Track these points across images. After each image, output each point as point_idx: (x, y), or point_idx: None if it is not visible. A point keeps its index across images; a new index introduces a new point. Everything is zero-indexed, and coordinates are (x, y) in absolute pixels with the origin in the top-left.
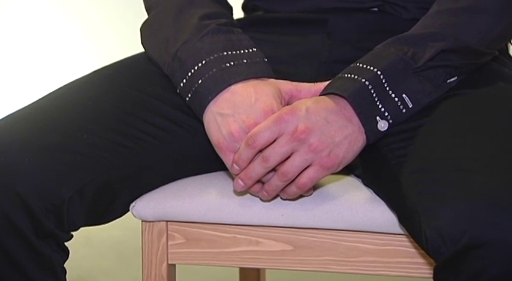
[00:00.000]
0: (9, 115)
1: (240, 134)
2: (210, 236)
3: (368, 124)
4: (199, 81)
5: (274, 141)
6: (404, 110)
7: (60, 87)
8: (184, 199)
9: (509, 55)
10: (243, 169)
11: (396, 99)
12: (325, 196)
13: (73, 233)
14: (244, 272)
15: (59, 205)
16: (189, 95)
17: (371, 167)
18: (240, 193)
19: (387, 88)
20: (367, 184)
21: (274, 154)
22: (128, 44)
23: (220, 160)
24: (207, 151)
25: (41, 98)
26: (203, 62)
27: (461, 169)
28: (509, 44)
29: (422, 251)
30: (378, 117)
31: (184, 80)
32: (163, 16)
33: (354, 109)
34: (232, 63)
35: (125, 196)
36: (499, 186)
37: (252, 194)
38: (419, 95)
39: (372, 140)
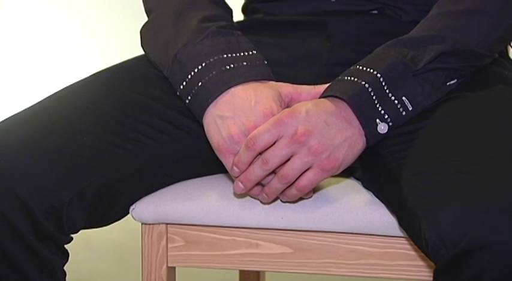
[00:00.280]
0: (9, 117)
1: (239, 137)
2: (209, 239)
3: (368, 127)
4: (199, 84)
5: (274, 143)
6: (404, 113)
7: (60, 90)
8: (184, 201)
9: (509, 58)
10: (243, 172)
11: (396, 101)
12: (325, 198)
13: (73, 235)
14: (244, 274)
15: (58, 207)
16: (189, 98)
17: (371, 169)
18: (239, 196)
19: (387, 91)
20: (367, 186)
21: (274, 157)
22: (128, 46)
23: (220, 162)
24: (207, 153)
25: (41, 101)
26: (203, 64)
27: (461, 172)
28: (509, 47)
29: (422, 254)
30: (377, 120)
31: (184, 83)
32: (163, 18)
33: (354, 112)
34: (232, 65)
35: (124, 198)
36: (499, 189)
37: (252, 197)
38: (419, 97)
39: (371, 142)
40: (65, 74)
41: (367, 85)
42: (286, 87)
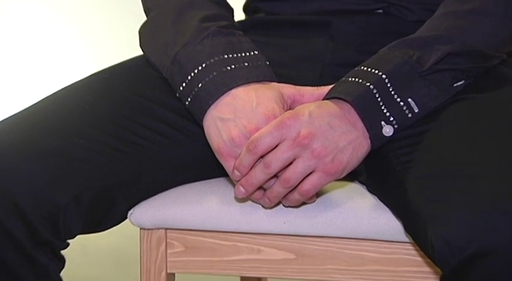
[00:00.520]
0: (5, 119)
1: (241, 140)
2: (210, 244)
3: (373, 129)
4: (199, 85)
5: (276, 146)
6: (410, 115)
7: (57, 91)
8: (183, 206)
9: None
10: (244, 175)
11: (401, 103)
12: (329, 203)
13: (69, 241)
14: None
15: (55, 212)
16: (189, 99)
17: (376, 173)
18: (241, 200)
19: (392, 92)
20: (371, 190)
21: (276, 160)
22: (126, 46)
23: (221, 165)
24: (207, 156)
25: (37, 102)
26: (203, 65)
27: (468, 175)
28: None
29: (429, 260)
30: (382, 122)
31: (184, 84)
32: (163, 18)
33: (358, 114)
34: (233, 66)
35: (122, 202)
36: (508, 192)
37: (254, 201)
38: (425, 99)
39: (376, 145)
40: (62, 75)
41: (371, 86)
42: (288, 89)
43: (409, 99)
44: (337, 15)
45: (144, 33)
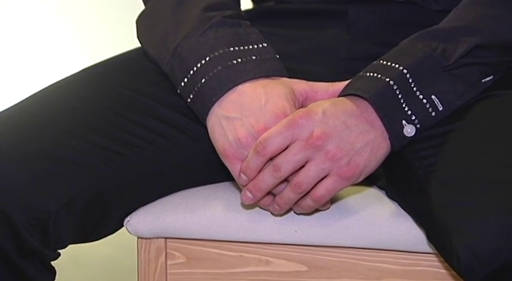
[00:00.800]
0: None
1: (248, 140)
2: (214, 255)
3: (393, 129)
4: (203, 81)
5: (287, 148)
6: (433, 113)
7: (46, 87)
8: (185, 213)
9: None
10: (252, 180)
11: (424, 101)
12: (344, 210)
13: (60, 251)
14: None
15: (44, 219)
16: (191, 96)
17: (396, 177)
18: (248, 207)
19: (414, 88)
20: (391, 196)
21: (286, 163)
22: (122, 38)
23: (226, 169)
24: (211, 158)
25: (24, 100)
26: (207, 58)
27: (496, 180)
28: None
29: (454, 272)
30: (403, 122)
31: (186, 79)
32: (162, 7)
33: (377, 112)
34: (239, 60)
35: (118, 209)
36: None
37: (262, 208)
38: (451, 96)
39: (397, 146)
40: (51, 69)
41: (391, 82)
42: (300, 85)
43: (433, 97)
44: (354, 4)
45: (142, 24)
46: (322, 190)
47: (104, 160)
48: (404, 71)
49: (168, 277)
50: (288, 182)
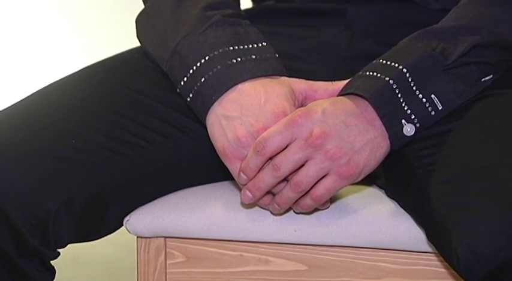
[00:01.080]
0: None
1: (247, 140)
2: (213, 254)
3: (392, 128)
4: (202, 80)
5: (286, 147)
6: (433, 113)
7: (45, 87)
8: (185, 212)
9: None
10: (251, 179)
11: (424, 100)
12: (344, 209)
13: (60, 250)
14: None
15: (44, 219)
16: (191, 95)
17: (395, 176)
18: (247, 206)
19: (414, 88)
20: (391, 195)
21: (286, 162)
22: (122, 37)
23: (226, 168)
24: (211, 158)
25: (24, 99)
26: (206, 58)
27: (496, 179)
28: None
29: (453, 272)
30: (403, 121)
31: (185, 79)
32: (162, 6)
33: (377, 111)
34: (239, 59)
35: (118, 208)
36: None
37: (261, 207)
38: (450, 95)
39: (396, 146)
40: (51, 69)
41: (391, 81)
42: (299, 84)
43: (432, 96)
44: (353, 3)
45: (142, 23)
46: (321, 189)
47: (104, 159)
48: (404, 70)
49: (167, 276)
50: (287, 181)
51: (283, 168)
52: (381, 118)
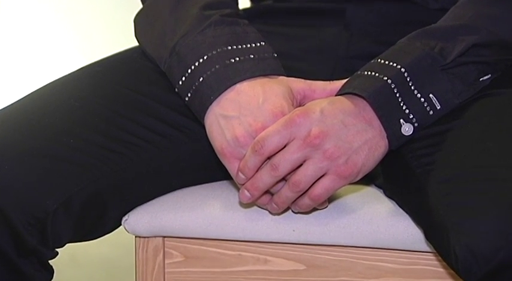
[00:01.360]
0: None
1: (246, 139)
2: (212, 254)
3: (391, 128)
4: (200, 79)
5: (285, 147)
6: (431, 112)
7: (43, 86)
8: (183, 211)
9: None
10: (250, 178)
11: (422, 99)
12: (342, 208)
13: (58, 250)
14: None
15: (42, 218)
16: (189, 95)
17: (394, 176)
18: (246, 205)
19: (412, 87)
20: (389, 195)
21: (284, 162)
22: (120, 37)
23: (224, 168)
24: (209, 157)
25: (22, 98)
26: (205, 57)
27: (495, 179)
28: None
29: (452, 271)
30: (401, 120)
31: (184, 78)
32: (160, 5)
33: (375, 111)
34: (237, 58)
35: (116, 208)
36: None
37: (260, 207)
38: (449, 95)
39: (395, 145)
40: (49, 68)
41: (389, 81)
42: (298, 83)
43: (431, 95)
44: (352, 2)
45: (140, 22)
46: (320, 188)
47: (102, 158)
48: (402, 70)
49: (166, 275)
50: (285, 181)
51: (281, 168)
52: (379, 118)
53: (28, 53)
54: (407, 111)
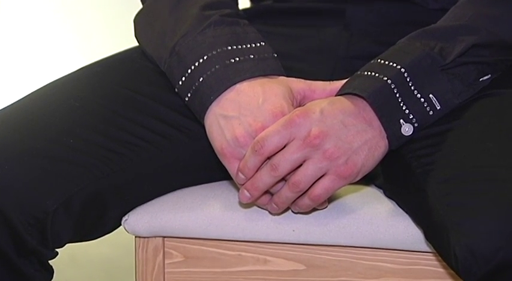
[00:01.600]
0: None
1: (245, 139)
2: (212, 254)
3: (390, 128)
4: (200, 79)
5: (285, 147)
6: (431, 112)
7: (43, 86)
8: (183, 211)
9: None
10: (249, 178)
11: (422, 100)
12: (342, 209)
13: (58, 250)
14: None
15: (42, 218)
16: (189, 95)
17: (394, 176)
18: (245, 206)
19: (412, 87)
20: (389, 195)
21: (284, 162)
22: (120, 37)
23: (224, 168)
24: (209, 157)
25: (22, 99)
26: (205, 57)
27: (495, 179)
28: None
29: (452, 271)
30: (401, 120)
31: (184, 78)
32: (160, 6)
33: (375, 111)
34: (237, 59)
35: (116, 208)
36: None
37: (260, 207)
38: (448, 95)
39: (394, 145)
40: (49, 68)
41: (389, 81)
42: (298, 84)
43: (431, 95)
44: (352, 2)
45: (140, 22)
46: (319, 189)
47: (102, 159)
48: (402, 70)
49: (165, 276)
50: (285, 181)
51: (281, 168)
52: (379, 118)
53: (28, 53)
54: (407, 111)
